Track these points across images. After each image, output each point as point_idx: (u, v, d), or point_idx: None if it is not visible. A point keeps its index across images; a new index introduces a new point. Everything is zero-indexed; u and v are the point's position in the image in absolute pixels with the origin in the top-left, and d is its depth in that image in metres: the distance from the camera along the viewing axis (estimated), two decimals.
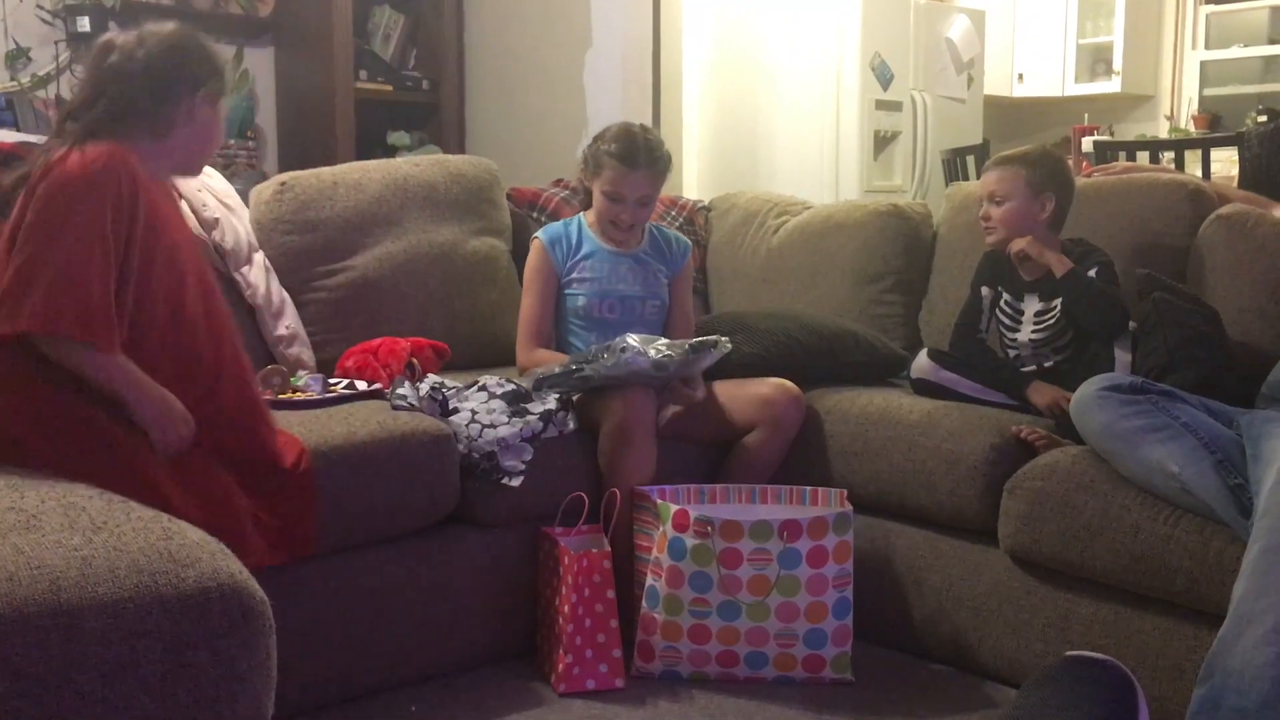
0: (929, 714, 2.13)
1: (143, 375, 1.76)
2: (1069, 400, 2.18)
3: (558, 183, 3.28)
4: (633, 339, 2.31)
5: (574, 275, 2.63)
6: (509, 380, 2.44)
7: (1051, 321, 2.47)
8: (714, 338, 2.37)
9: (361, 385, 2.39)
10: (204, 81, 1.93)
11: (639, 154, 2.55)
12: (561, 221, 2.74)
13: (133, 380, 1.75)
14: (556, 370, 2.38)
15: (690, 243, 2.83)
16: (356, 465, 2.05)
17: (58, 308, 1.66)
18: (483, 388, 2.39)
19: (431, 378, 2.44)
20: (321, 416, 2.15)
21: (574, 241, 2.66)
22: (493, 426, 2.27)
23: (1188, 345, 2.23)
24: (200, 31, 1.97)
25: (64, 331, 1.68)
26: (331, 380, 2.44)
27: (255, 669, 1.14)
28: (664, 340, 2.36)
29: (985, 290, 2.60)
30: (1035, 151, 2.56)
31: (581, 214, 2.73)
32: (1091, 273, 2.40)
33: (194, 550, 1.17)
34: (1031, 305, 2.50)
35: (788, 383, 2.52)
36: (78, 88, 1.95)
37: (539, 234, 2.69)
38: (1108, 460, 2.07)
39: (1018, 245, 2.46)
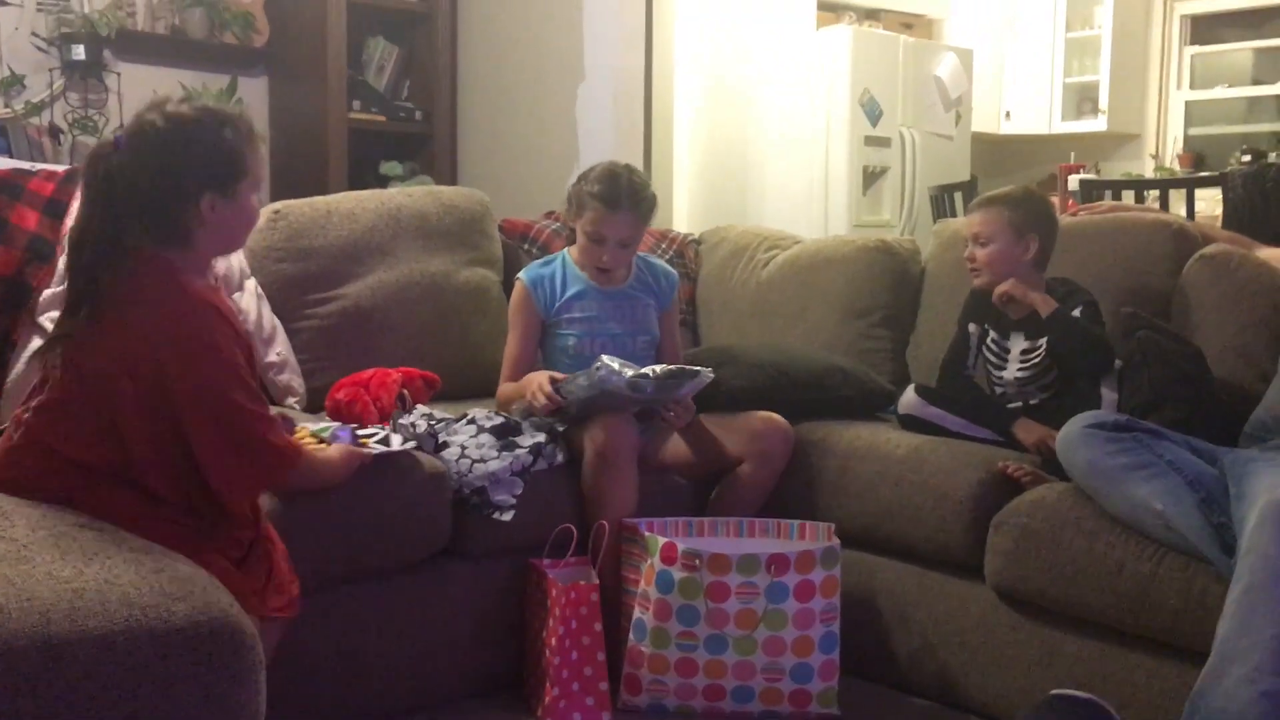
0: None
1: (315, 458, 1.93)
2: (1055, 438, 2.20)
3: (549, 215, 3.29)
4: (608, 359, 2.31)
5: (563, 316, 2.61)
6: (498, 413, 2.45)
7: (1037, 360, 2.49)
8: (696, 367, 2.38)
9: (396, 441, 2.20)
10: (211, 179, 1.70)
11: (621, 195, 2.52)
12: (543, 260, 2.70)
13: (318, 469, 1.93)
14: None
15: (677, 274, 2.83)
16: (351, 500, 2.05)
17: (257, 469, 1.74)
18: (471, 420, 2.40)
19: (420, 409, 2.44)
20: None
21: (559, 281, 2.63)
22: (482, 461, 2.27)
23: (1172, 384, 2.25)
24: (201, 112, 1.73)
25: (273, 484, 1.84)
26: (362, 432, 2.24)
27: (245, 703, 1.14)
28: (638, 369, 2.35)
29: (972, 327, 2.63)
30: (1018, 192, 2.58)
31: (565, 251, 2.70)
32: (1076, 312, 2.42)
33: (185, 584, 1.17)
34: (1017, 343, 2.53)
35: (777, 416, 2.53)
36: (79, 213, 1.75)
37: (521, 275, 2.66)
38: (1093, 497, 2.09)
39: (1001, 289, 2.48)
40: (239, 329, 1.77)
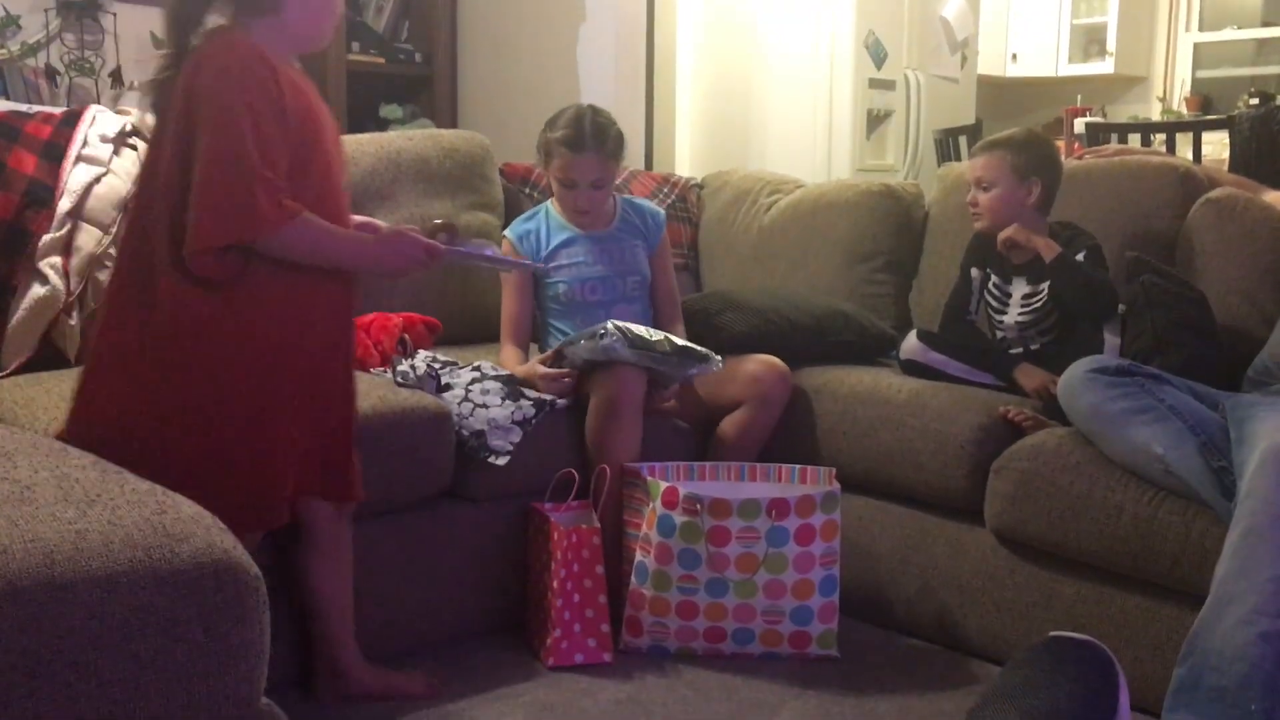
0: (913, 690, 2.15)
1: (331, 229, 1.82)
2: (1056, 383, 2.20)
3: None
4: (614, 325, 2.30)
5: (551, 264, 2.60)
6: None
7: (1039, 304, 2.48)
8: (706, 351, 2.37)
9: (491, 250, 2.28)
10: None
11: (585, 138, 2.50)
12: (526, 215, 2.69)
13: (316, 239, 1.79)
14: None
15: (664, 212, 2.79)
16: (356, 439, 2.05)
17: (219, 220, 1.69)
18: (478, 369, 2.40)
19: (423, 353, 2.44)
20: None
21: (544, 233, 2.62)
22: (485, 406, 2.28)
23: (1175, 328, 2.24)
24: None
25: (234, 239, 1.71)
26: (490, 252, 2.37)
27: (248, 644, 1.15)
28: (653, 331, 2.35)
29: (974, 272, 2.61)
30: (1020, 135, 2.55)
31: (548, 202, 2.68)
32: (1079, 257, 2.41)
33: (188, 525, 1.17)
34: (1019, 288, 2.52)
35: (775, 359, 2.53)
36: None
37: (506, 232, 2.65)
38: (1093, 441, 2.09)
39: (1005, 234, 2.46)
40: (295, 102, 1.77)
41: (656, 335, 2.34)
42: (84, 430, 1.73)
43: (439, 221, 2.15)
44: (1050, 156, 2.53)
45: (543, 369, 2.40)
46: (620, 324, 2.32)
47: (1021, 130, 2.62)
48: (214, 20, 1.81)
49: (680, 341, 2.36)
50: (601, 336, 2.29)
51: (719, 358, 2.38)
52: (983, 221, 2.53)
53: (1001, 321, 2.54)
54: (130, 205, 1.83)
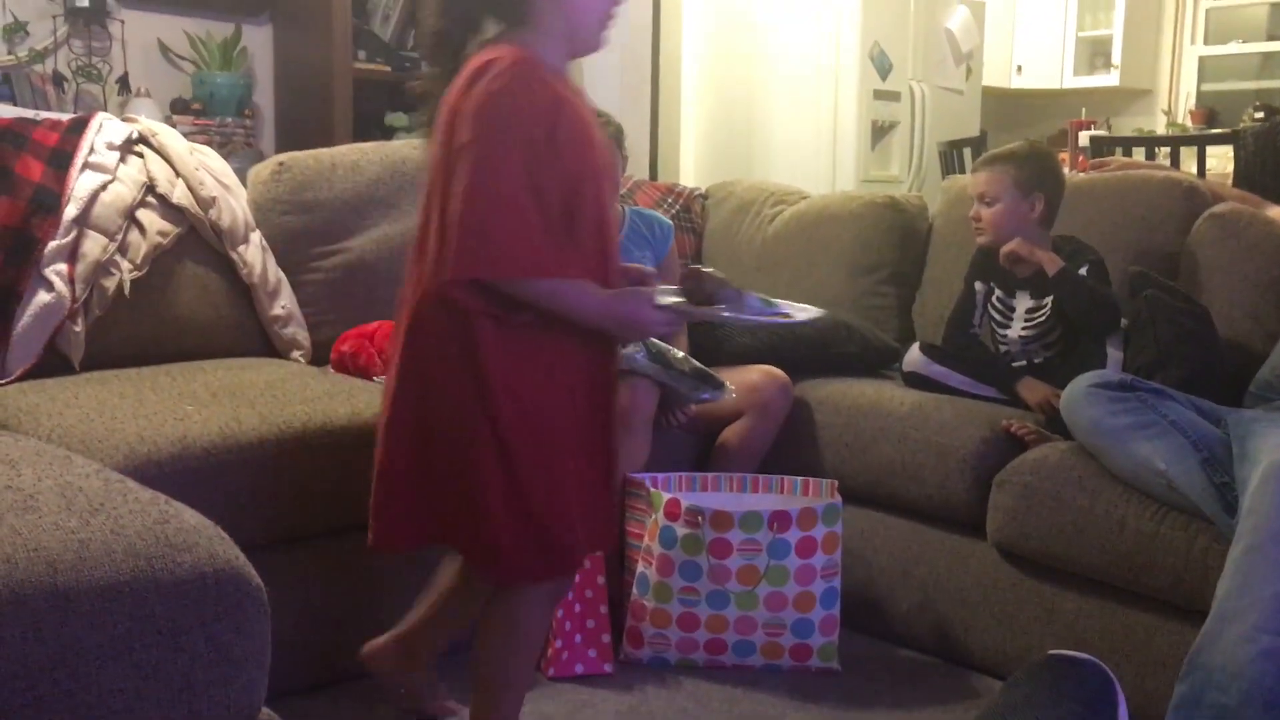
0: (914, 704, 2.15)
1: (568, 286, 1.64)
2: (1059, 397, 2.20)
3: None
4: (648, 346, 2.32)
5: None
6: None
7: (1042, 319, 2.48)
8: (722, 380, 2.37)
9: (800, 315, 1.93)
10: None
11: None
12: None
13: (563, 297, 1.64)
14: None
15: (672, 224, 2.81)
16: (360, 446, 2.05)
17: (485, 249, 1.57)
18: None
19: None
20: (323, 396, 2.15)
21: None
22: None
23: (1178, 343, 2.24)
24: None
25: (485, 275, 1.58)
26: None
27: (250, 653, 1.15)
28: (675, 350, 2.36)
29: (978, 285, 2.62)
30: (1023, 150, 2.55)
31: None
32: (1082, 271, 2.41)
33: (190, 535, 1.17)
34: (1023, 302, 2.52)
35: (775, 369, 2.53)
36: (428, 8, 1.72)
37: None
38: (1096, 456, 2.09)
39: (1008, 249, 2.46)
40: (572, 132, 1.62)
41: (678, 354, 2.35)
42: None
43: (690, 268, 1.94)
44: (1053, 170, 2.53)
45: None
46: (646, 348, 2.33)
47: (1024, 144, 2.62)
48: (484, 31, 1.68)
49: (698, 364, 2.36)
50: (624, 345, 2.31)
51: (733, 389, 2.39)
52: (985, 236, 2.53)
53: (1005, 335, 2.54)
54: (418, 225, 1.71)
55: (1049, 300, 2.46)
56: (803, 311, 1.91)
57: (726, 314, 1.87)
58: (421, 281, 1.65)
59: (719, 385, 2.36)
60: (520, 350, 1.63)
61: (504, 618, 1.73)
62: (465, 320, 1.60)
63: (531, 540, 1.63)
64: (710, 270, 1.91)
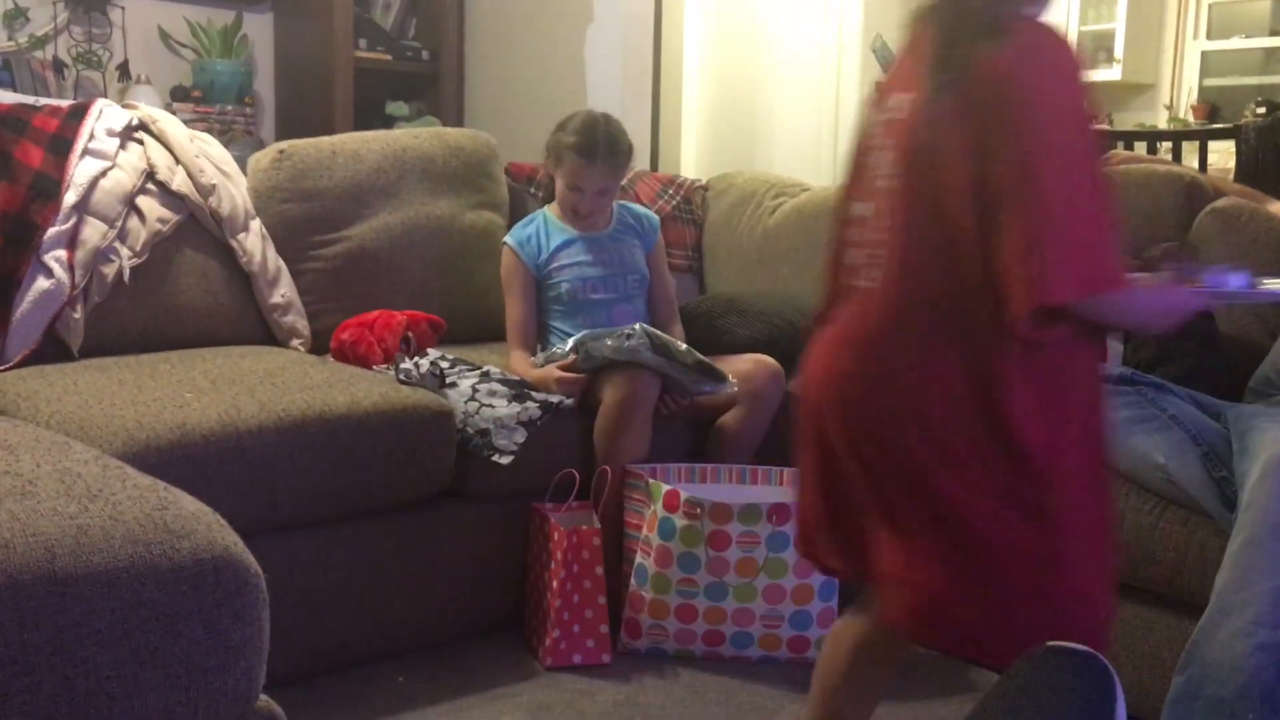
0: (911, 696, 2.15)
1: (1137, 291, 1.41)
2: None
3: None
4: (642, 328, 2.34)
5: (552, 266, 2.62)
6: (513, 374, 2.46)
7: None
8: (724, 373, 2.38)
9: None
10: None
11: (598, 148, 2.54)
12: (523, 222, 2.71)
13: (1133, 303, 1.39)
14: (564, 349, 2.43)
15: (658, 218, 2.84)
16: (358, 435, 2.06)
17: (1083, 263, 1.29)
18: (486, 374, 2.40)
19: (432, 353, 2.45)
20: (322, 384, 2.15)
21: (543, 237, 2.64)
22: (491, 406, 2.28)
23: (1178, 338, 2.24)
24: None
25: (1080, 297, 1.29)
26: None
27: (248, 641, 1.15)
28: (678, 342, 2.38)
29: None
30: None
31: (544, 208, 2.71)
32: None
33: (189, 522, 1.17)
34: None
35: (767, 358, 2.54)
36: None
37: (507, 239, 2.67)
38: None
39: None
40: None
41: (681, 346, 2.36)
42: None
43: (1165, 245, 1.70)
44: None
45: (559, 372, 2.40)
46: (649, 329, 2.34)
47: None
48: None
49: (701, 357, 2.37)
50: (629, 337, 2.31)
51: (735, 382, 2.40)
52: None
53: None
54: (870, 213, 1.41)
55: None
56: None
57: (1236, 283, 1.60)
58: (888, 295, 1.38)
59: (721, 378, 2.36)
60: (1046, 382, 1.34)
61: None
62: (983, 348, 1.32)
63: (1059, 617, 1.37)
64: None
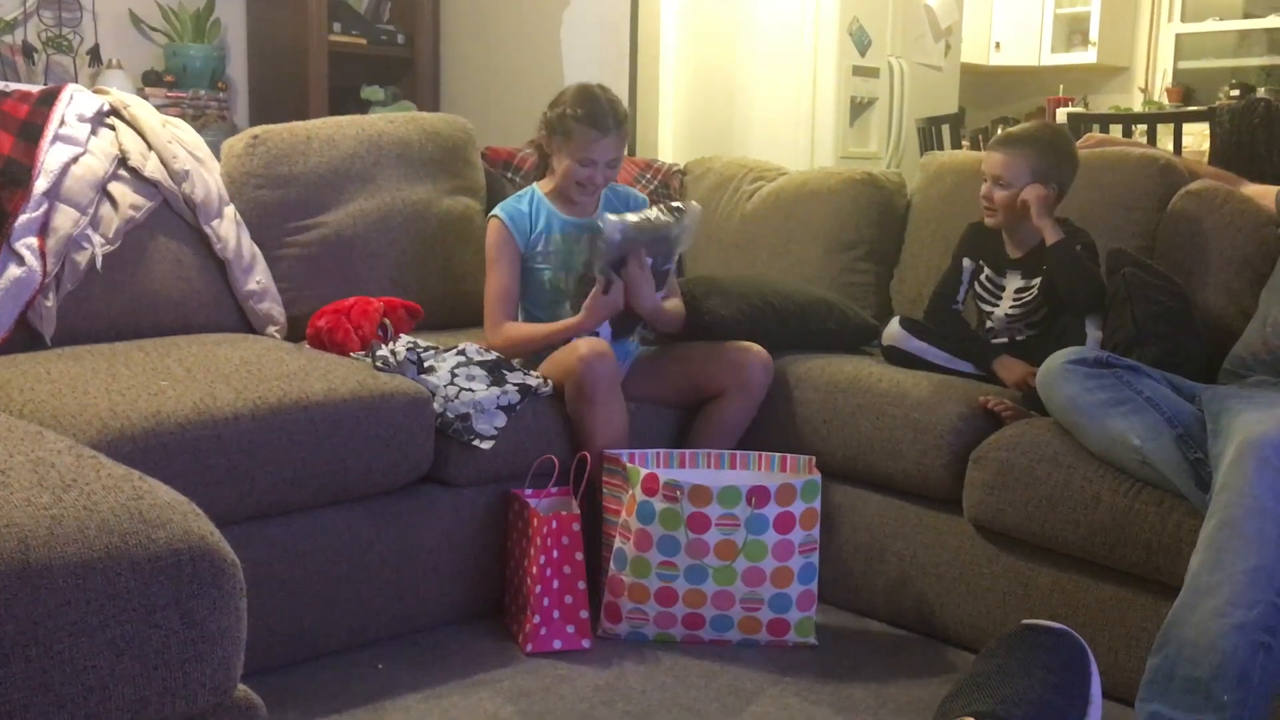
0: (890, 678, 2.16)
1: None
2: (1036, 376, 2.21)
3: (532, 143, 3.25)
4: (611, 217, 2.39)
5: (537, 250, 2.59)
6: (490, 350, 2.44)
7: (1029, 298, 2.49)
8: (680, 204, 2.46)
9: None
10: None
11: (607, 117, 2.51)
12: (515, 197, 2.66)
13: None
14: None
15: (647, 199, 2.80)
16: (335, 422, 2.05)
17: None
18: (462, 352, 2.39)
19: (405, 338, 2.43)
20: (299, 372, 2.13)
21: (532, 216, 2.61)
22: (470, 390, 2.27)
23: (1154, 321, 2.25)
24: None
25: None
26: None
27: (225, 630, 1.15)
28: (644, 211, 2.45)
29: (967, 262, 2.61)
30: (1045, 136, 2.50)
31: (534, 185, 2.67)
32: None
33: (164, 511, 1.16)
34: (1013, 281, 2.52)
35: (755, 346, 2.53)
36: None
37: (497, 211, 2.62)
38: (1071, 433, 2.10)
39: (1025, 195, 2.42)
40: None
41: (650, 212, 2.42)
42: None
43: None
44: (1070, 157, 2.48)
45: (591, 301, 2.44)
46: (613, 216, 2.40)
47: (1043, 128, 2.58)
48: None
49: (665, 204, 2.44)
50: (605, 238, 2.38)
51: (697, 204, 2.48)
52: (996, 219, 2.51)
53: (991, 313, 2.55)
54: None
55: (1038, 280, 2.46)
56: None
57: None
58: None
59: (686, 209, 2.43)
60: None
61: None
62: None
63: None
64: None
